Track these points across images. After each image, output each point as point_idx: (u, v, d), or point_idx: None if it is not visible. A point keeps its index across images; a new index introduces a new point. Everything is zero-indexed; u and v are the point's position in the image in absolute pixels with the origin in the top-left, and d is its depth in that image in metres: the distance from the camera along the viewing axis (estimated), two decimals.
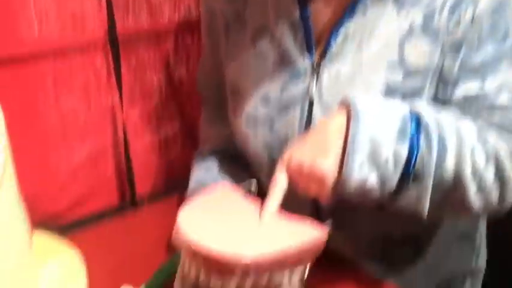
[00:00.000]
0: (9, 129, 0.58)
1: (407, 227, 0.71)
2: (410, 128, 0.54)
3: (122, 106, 0.86)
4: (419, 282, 0.75)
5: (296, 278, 0.59)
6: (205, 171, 0.80)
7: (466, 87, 0.59)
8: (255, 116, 0.70)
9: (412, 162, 0.54)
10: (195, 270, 0.54)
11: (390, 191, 0.55)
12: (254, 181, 0.69)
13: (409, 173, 0.54)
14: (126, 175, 0.90)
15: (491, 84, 0.58)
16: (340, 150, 0.54)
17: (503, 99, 0.58)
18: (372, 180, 0.54)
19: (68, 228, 0.80)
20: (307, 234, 0.56)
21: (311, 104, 0.65)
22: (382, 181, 0.54)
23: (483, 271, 0.82)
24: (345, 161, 0.53)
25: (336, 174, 0.54)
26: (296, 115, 0.66)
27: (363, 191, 0.55)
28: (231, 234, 0.54)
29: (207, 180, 0.77)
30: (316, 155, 0.55)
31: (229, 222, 0.56)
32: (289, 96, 0.67)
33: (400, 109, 0.56)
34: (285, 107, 0.67)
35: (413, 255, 0.74)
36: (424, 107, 0.57)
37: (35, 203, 0.73)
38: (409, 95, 0.61)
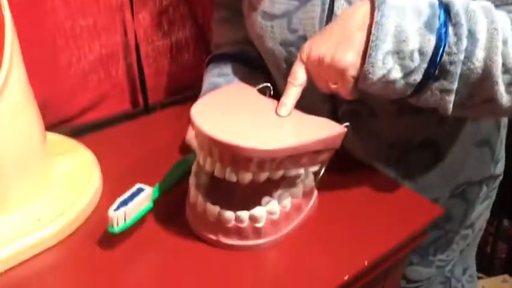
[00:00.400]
0: (17, 28, 0.56)
1: (427, 132, 0.69)
2: (439, 17, 0.51)
3: (132, 5, 0.82)
4: (434, 188, 0.74)
5: (311, 176, 0.59)
6: (218, 76, 0.77)
7: None
8: (272, 12, 0.66)
9: (439, 55, 0.51)
10: (209, 164, 0.53)
11: (414, 84, 0.53)
12: (269, 85, 0.66)
13: (435, 66, 0.51)
14: (138, 80, 0.88)
15: None
16: (363, 42, 0.51)
17: None
18: (396, 72, 0.51)
19: (81, 132, 0.80)
20: (324, 129, 0.55)
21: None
22: (406, 74, 0.52)
23: (501, 177, 0.81)
24: (368, 51, 0.50)
25: (358, 66, 0.52)
26: (316, 10, 0.62)
27: (386, 84, 0.52)
28: (247, 127, 0.52)
29: (221, 85, 0.74)
30: (337, 47, 0.52)
31: (245, 116, 0.55)
32: None
33: None
34: (304, 1, 0.63)
35: (431, 160, 0.72)
36: None
37: (46, 105, 0.72)
38: None
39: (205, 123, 0.51)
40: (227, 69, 0.77)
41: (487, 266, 1.51)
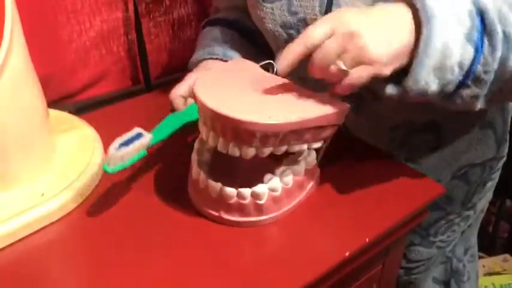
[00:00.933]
0: (17, 4, 0.55)
1: (431, 114, 0.69)
2: (477, 29, 0.49)
3: None
4: (436, 170, 0.73)
5: (313, 153, 0.59)
6: (212, 40, 0.75)
7: None
8: None
9: (474, 65, 0.50)
10: (212, 139, 0.53)
11: (446, 93, 0.52)
12: (272, 62, 0.66)
13: (469, 76, 0.50)
14: (138, 57, 0.88)
15: None
16: (406, 48, 0.49)
17: None
18: (434, 85, 0.50)
19: (82, 109, 0.79)
20: (327, 105, 0.54)
21: None
22: (443, 85, 0.51)
23: (504, 159, 0.81)
24: (412, 66, 0.48)
25: (385, 69, 0.49)
26: None
27: (420, 96, 0.51)
28: (250, 101, 0.52)
29: (215, 51, 0.73)
30: (378, 35, 0.48)
31: (248, 91, 0.54)
32: None
33: (464, 3, 0.50)
34: None
35: (434, 143, 0.72)
36: None
37: (47, 81, 0.71)
38: None
39: (208, 98, 0.51)
40: (225, 37, 0.76)
41: (488, 245, 1.51)
